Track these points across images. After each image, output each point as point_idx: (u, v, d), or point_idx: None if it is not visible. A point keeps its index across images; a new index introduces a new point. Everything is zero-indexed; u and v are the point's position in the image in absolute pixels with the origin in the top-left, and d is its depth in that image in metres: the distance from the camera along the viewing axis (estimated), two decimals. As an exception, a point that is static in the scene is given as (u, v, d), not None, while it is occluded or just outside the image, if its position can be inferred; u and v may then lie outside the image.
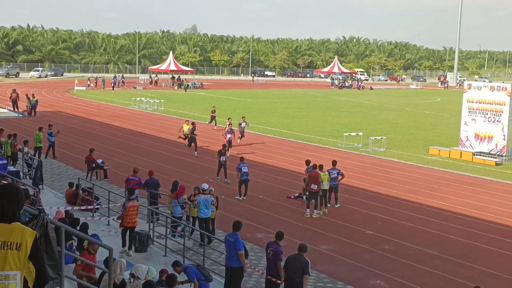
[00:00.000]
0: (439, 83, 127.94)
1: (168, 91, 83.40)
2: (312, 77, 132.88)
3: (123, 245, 16.24)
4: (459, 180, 29.44)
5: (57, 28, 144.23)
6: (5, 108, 51.95)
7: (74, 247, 13.84)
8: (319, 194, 22.12)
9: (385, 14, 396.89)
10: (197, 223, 18.38)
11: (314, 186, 21.89)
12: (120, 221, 16.50)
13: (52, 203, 19.99)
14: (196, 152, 33.21)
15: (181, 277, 12.72)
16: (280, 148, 36.30)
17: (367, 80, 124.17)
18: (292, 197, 24.59)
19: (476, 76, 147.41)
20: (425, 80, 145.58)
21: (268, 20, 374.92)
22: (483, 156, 34.66)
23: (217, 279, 14.77)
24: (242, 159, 24.85)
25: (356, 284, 15.88)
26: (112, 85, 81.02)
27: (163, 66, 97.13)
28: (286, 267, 12.94)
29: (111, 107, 58.59)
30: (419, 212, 23.25)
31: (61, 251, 7.84)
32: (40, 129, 30.48)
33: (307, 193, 22.78)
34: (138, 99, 61.24)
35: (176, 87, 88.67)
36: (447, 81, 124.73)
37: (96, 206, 20.01)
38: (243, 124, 37.23)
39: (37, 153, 29.30)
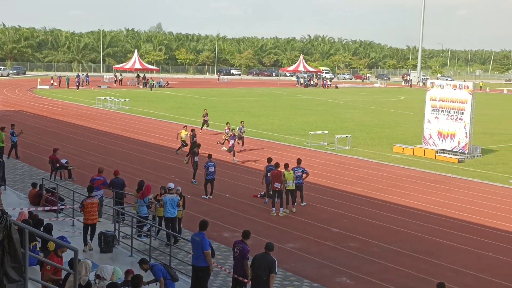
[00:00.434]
0: (403, 82, 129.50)
1: (133, 90, 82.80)
2: (277, 75, 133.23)
3: (84, 243, 16.35)
4: (423, 178, 29.84)
5: (19, 26, 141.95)
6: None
7: (38, 249, 13.66)
8: (283, 192, 22.21)
9: (350, 13, 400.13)
10: (163, 222, 18.29)
11: (277, 185, 22.00)
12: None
13: (15, 204, 19.70)
14: (186, 159, 29.24)
15: (148, 275, 12.66)
16: (246, 146, 36.31)
17: (332, 78, 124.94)
18: (258, 195, 24.64)
19: (439, 75, 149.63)
20: (389, 79, 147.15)
21: (233, 18, 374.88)
22: (446, 153, 35.18)
23: (183, 278, 14.72)
24: (209, 156, 24.79)
25: (322, 282, 15.99)
26: (77, 84, 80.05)
27: (128, 65, 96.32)
28: (253, 266, 12.96)
29: (75, 106, 57.91)
30: (384, 209, 23.51)
31: (25, 253, 7.74)
32: (2, 129, 29.96)
33: (270, 192, 22.94)
34: (102, 98, 60.66)
35: (141, 86, 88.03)
36: (411, 80, 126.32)
37: (61, 207, 19.78)
38: (242, 129, 35.30)
39: (-1, 154, 28.81)
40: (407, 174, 30.65)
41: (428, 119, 36.85)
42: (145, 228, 18.12)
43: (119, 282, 11.27)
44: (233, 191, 25.44)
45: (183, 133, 33.38)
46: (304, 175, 23.23)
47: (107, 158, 31.28)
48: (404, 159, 34.55)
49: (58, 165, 26.34)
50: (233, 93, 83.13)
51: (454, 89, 35.56)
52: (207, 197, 24.05)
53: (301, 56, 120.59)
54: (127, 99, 59.29)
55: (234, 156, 32.12)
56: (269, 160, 24.43)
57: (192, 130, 32.89)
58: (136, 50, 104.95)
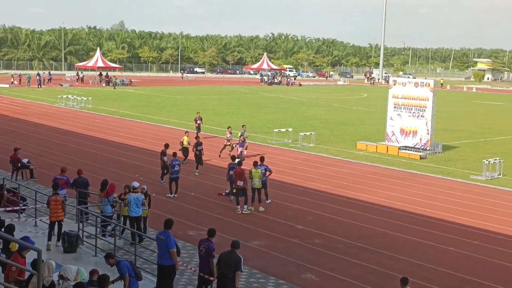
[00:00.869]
0: (366, 79, 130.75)
1: (96, 88, 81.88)
2: (241, 73, 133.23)
3: (48, 239, 16.26)
4: (385, 174, 30.20)
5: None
6: None
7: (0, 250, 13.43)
8: (247, 190, 22.26)
9: (313, 11, 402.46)
10: (128, 221, 18.16)
11: (240, 183, 22.08)
12: None
13: (-24, 205, 19.33)
14: (197, 171, 28.65)
15: (113, 270, 12.58)
16: (211, 145, 36.25)
17: (296, 76, 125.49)
18: (223, 194, 24.65)
19: (401, 73, 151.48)
20: (352, 77, 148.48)
21: (197, 16, 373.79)
22: (408, 150, 35.66)
23: (149, 278, 14.66)
24: (174, 154, 24.71)
25: (288, 278, 16.08)
26: (38, 82, 78.71)
27: (90, 63, 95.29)
28: (219, 264, 12.96)
29: (36, 105, 57.04)
30: (348, 206, 23.73)
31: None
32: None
33: (234, 190, 23.02)
34: (64, 96, 59.83)
35: (104, 84, 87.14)
36: (374, 77, 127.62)
37: (22, 207, 19.48)
38: (244, 134, 32.98)
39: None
40: (370, 170, 30.98)
41: (390, 117, 37.29)
42: (109, 228, 17.98)
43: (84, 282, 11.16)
44: (198, 190, 25.39)
45: (186, 139, 30.67)
46: (268, 173, 23.31)
47: (70, 157, 30.90)
48: (368, 156, 34.91)
49: (19, 164, 25.93)
50: (197, 91, 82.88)
51: (416, 87, 36.06)
52: (171, 196, 23.97)
53: (265, 54, 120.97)
54: (89, 98, 58.64)
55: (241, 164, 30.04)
56: (233, 158, 24.51)
57: (197, 137, 30.44)
58: (98, 48, 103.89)
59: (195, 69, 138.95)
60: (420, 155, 34.83)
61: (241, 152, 30.36)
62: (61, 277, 11.31)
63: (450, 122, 52.14)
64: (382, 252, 18.46)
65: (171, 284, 13.63)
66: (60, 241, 16.23)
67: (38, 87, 76.69)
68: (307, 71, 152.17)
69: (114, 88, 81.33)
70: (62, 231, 16.44)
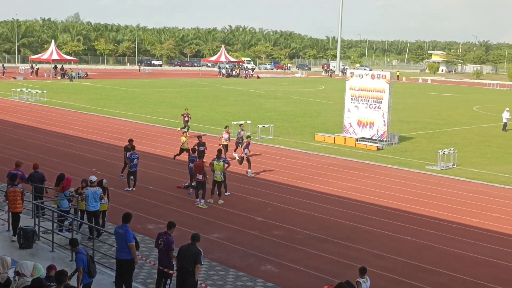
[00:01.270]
0: (323, 72, 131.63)
1: (51, 81, 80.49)
2: (199, 66, 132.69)
3: (14, 232, 16.26)
4: (343, 165, 30.50)
5: None
6: None
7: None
8: (206, 183, 22.19)
9: (271, 4, 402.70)
10: (85, 216, 17.94)
11: (199, 176, 22.01)
12: None
13: None
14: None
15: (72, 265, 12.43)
16: (170, 138, 36.04)
17: (254, 69, 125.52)
18: (182, 186, 24.55)
19: (358, 65, 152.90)
20: (309, 69, 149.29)
21: (154, 8, 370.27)
22: (366, 141, 36.07)
23: (108, 272, 14.53)
24: (133, 147, 24.46)
25: (248, 270, 16.12)
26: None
27: (45, 56, 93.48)
28: (178, 257, 12.92)
29: (-11, 99, 55.82)
30: (307, 197, 23.89)
31: None
32: None
33: (193, 184, 22.97)
34: (18, 89, 58.67)
35: (59, 77, 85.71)
36: (331, 70, 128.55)
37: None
38: (241, 133, 31.03)
39: None
40: (328, 162, 31.24)
41: (348, 108, 37.64)
42: (66, 222, 17.73)
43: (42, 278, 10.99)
44: (157, 183, 25.23)
45: (183, 139, 29.16)
46: (226, 165, 23.30)
47: (25, 152, 30.33)
48: (326, 148, 35.18)
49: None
50: (154, 84, 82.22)
51: (373, 79, 36.46)
52: (130, 189, 23.76)
53: (223, 46, 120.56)
54: (44, 91, 57.60)
55: (249, 168, 27.32)
56: (193, 150, 24.42)
57: (199, 137, 27.99)
58: (53, 41, 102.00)
59: (153, 62, 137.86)
60: (377, 146, 35.25)
61: (246, 154, 27.35)
62: (17, 273, 11.09)
63: (406, 114, 52.93)
64: (340, 242, 18.65)
65: (130, 278, 13.53)
66: (16, 237, 15.98)
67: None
68: (265, 63, 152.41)
69: (70, 81, 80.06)
70: (19, 225, 16.19)
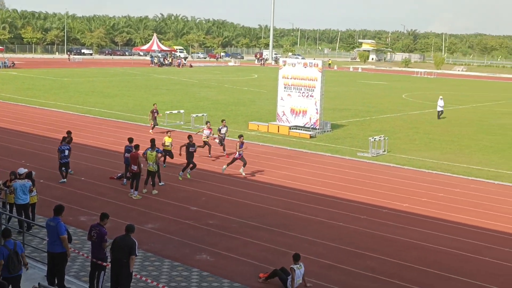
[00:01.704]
0: (256, 60, 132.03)
1: (-24, 71, 77.78)
2: (131, 55, 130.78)
3: None
4: (277, 154, 30.75)
5: None
6: None
7: None
8: (140, 174, 21.96)
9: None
10: (14, 209, 17.46)
11: (134, 167, 21.77)
12: None
13: None
14: (188, 173, 25.00)
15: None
16: (101, 128, 35.44)
17: (186, 57, 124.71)
18: (115, 177, 24.23)
19: (290, 53, 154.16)
20: (242, 58, 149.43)
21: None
22: (299, 129, 36.46)
23: (39, 266, 14.23)
24: (64, 139, 23.96)
25: (183, 260, 16.07)
26: None
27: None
28: (113, 249, 12.77)
29: None
30: (241, 186, 23.99)
31: None
32: None
33: (128, 174, 22.71)
34: None
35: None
36: (264, 58, 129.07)
37: None
38: (223, 130, 29.82)
39: None
40: (262, 150, 31.42)
41: (281, 97, 37.92)
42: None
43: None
44: (89, 174, 24.80)
45: (167, 140, 26.99)
46: (159, 155, 23.12)
47: (-51, 144, 29.25)
48: (259, 136, 35.37)
49: None
50: (85, 73, 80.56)
51: (305, 67, 36.83)
52: (64, 181, 23.28)
53: (155, 35, 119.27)
54: (-31, 81, 55.68)
55: (243, 167, 25.73)
56: (130, 140, 24.06)
57: (189, 136, 25.50)
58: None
59: (83, 51, 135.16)
60: (310, 134, 35.69)
61: (240, 154, 25.47)
62: None
63: (337, 102, 53.78)
64: (275, 230, 18.83)
65: (63, 272, 13.29)
66: None
67: None
68: (198, 52, 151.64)
69: (-4, 71, 77.63)
70: None
